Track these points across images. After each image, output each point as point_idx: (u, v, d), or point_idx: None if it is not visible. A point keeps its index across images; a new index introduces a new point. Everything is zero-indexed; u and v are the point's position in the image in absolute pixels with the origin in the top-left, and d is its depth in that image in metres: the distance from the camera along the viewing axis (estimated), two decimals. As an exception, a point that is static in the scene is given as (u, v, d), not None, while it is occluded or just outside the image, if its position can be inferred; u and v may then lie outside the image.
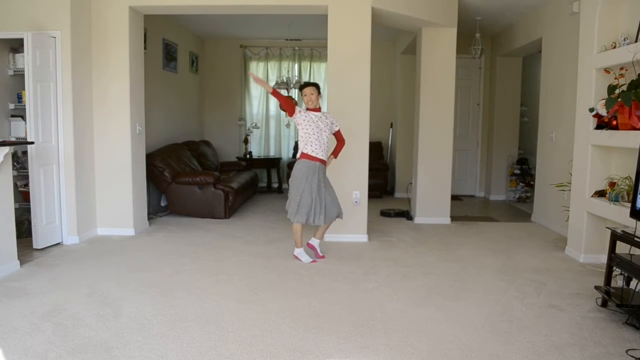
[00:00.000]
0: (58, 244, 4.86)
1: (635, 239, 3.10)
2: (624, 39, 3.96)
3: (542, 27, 6.19)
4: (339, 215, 4.43)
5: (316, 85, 4.35)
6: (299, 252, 4.42)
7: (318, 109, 4.34)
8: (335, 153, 4.48)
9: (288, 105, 4.31)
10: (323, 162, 4.31)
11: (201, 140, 8.33)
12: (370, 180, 5.46)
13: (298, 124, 4.29)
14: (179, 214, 6.34)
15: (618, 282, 3.67)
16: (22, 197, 5.03)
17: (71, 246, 4.83)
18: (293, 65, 8.81)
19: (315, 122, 4.25)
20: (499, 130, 8.04)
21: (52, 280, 3.79)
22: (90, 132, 5.19)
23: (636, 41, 3.81)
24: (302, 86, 4.40)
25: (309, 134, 4.25)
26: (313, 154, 4.25)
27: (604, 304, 3.36)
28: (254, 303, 3.39)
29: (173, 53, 7.37)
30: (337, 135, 4.46)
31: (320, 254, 4.51)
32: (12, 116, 5.01)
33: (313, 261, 4.38)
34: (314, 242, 4.52)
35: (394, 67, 8.70)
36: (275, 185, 9.01)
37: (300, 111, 4.30)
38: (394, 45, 8.68)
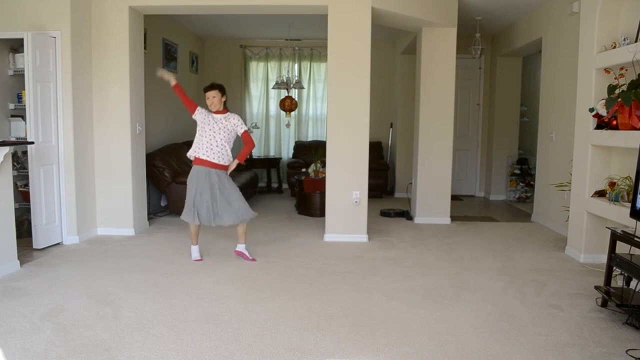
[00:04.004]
0: (58, 244, 4.86)
1: (635, 239, 3.10)
2: (624, 39, 3.96)
3: (542, 27, 6.18)
4: (243, 220, 4.29)
5: (219, 87, 4.21)
6: (192, 248, 4.44)
7: (223, 111, 4.23)
8: (240, 156, 4.30)
9: (189, 104, 4.21)
10: (217, 165, 4.20)
11: (201, 140, 8.32)
12: (370, 180, 5.46)
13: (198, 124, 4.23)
14: (179, 214, 6.29)
15: (618, 282, 3.67)
16: (22, 197, 5.03)
17: (71, 246, 4.83)
18: (293, 65, 8.81)
19: (210, 125, 4.14)
20: (499, 130, 8.03)
21: (52, 280, 3.79)
22: (90, 132, 5.19)
23: (636, 41, 3.81)
24: (205, 89, 4.23)
25: (200, 135, 4.18)
26: (203, 157, 4.17)
27: (604, 304, 3.36)
28: (254, 303, 3.39)
29: (173, 53, 7.37)
30: (244, 137, 4.29)
31: (250, 257, 4.40)
32: (12, 116, 5.01)
33: (198, 260, 4.37)
34: (240, 247, 4.44)
35: (394, 67, 8.69)
36: (275, 185, 9.01)
37: (201, 112, 4.21)
38: (394, 45, 8.68)
